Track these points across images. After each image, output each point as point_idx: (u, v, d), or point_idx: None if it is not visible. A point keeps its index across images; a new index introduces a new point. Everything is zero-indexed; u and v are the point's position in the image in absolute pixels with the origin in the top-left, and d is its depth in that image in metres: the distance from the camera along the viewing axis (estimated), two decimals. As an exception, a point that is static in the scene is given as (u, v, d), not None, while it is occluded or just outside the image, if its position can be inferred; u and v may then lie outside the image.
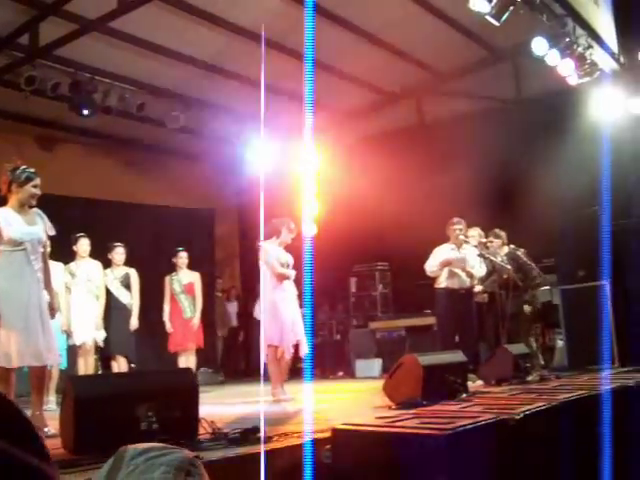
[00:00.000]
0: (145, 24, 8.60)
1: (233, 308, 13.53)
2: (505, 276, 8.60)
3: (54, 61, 9.16)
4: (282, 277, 7.52)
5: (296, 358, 7.69)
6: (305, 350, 7.39)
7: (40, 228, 5.12)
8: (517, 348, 7.50)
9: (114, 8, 7.76)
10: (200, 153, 12.60)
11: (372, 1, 8.86)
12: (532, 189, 9.67)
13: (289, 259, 7.62)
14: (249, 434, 3.88)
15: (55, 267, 7.81)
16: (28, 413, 5.02)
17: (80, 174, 11.21)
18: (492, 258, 8.63)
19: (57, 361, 6.33)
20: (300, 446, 3.74)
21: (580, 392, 4.81)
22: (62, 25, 8.33)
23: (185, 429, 3.93)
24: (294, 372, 9.65)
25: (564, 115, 9.68)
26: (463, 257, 8.57)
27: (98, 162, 11.73)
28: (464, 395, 5.59)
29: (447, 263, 8.53)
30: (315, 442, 3.58)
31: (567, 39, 8.46)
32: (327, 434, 3.72)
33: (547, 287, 9.49)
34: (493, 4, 7.52)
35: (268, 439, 3.84)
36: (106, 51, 9.22)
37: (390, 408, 5.32)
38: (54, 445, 3.94)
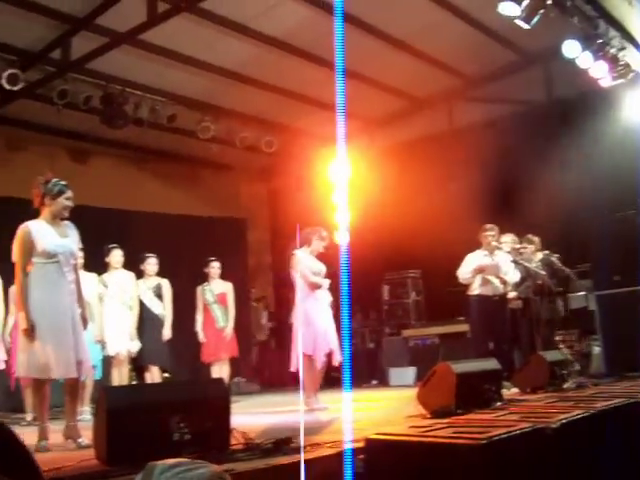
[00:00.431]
0: (174, 36, 8.67)
1: (264, 319, 13.53)
2: (540, 282, 8.49)
3: (86, 74, 9.28)
4: (315, 286, 7.50)
5: (330, 367, 7.66)
6: (338, 359, 7.36)
7: (72, 240, 5.16)
8: (552, 355, 7.38)
9: (144, 21, 7.82)
10: (231, 162, 12.65)
11: (401, 8, 8.83)
12: (565, 193, 9.57)
13: (322, 268, 7.59)
14: (282, 444, 3.86)
15: (88, 278, 7.89)
16: (63, 423, 5.06)
17: (112, 186, 11.32)
18: (526, 264, 8.52)
19: (90, 372, 6.38)
20: (333, 456, 3.70)
21: (619, 400, 4.71)
22: (93, 39, 8.43)
23: (217, 440, 3.92)
24: (328, 381, 9.63)
25: (597, 118, 9.56)
26: (496, 263, 8.46)
27: (130, 173, 11.84)
28: (499, 403, 5.51)
29: (480, 270, 8.43)
30: (345, 453, 3.54)
31: (600, 41, 8.36)
32: (360, 444, 3.68)
33: (582, 293, 9.35)
34: (523, 7, 7.46)
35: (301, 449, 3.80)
36: (136, 63, 9.31)
37: (424, 417, 5.26)
38: (88, 456, 3.96)
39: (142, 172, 12.06)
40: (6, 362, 7.52)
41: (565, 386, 6.87)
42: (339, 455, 3.68)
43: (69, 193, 5.12)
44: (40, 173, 5.14)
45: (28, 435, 5.36)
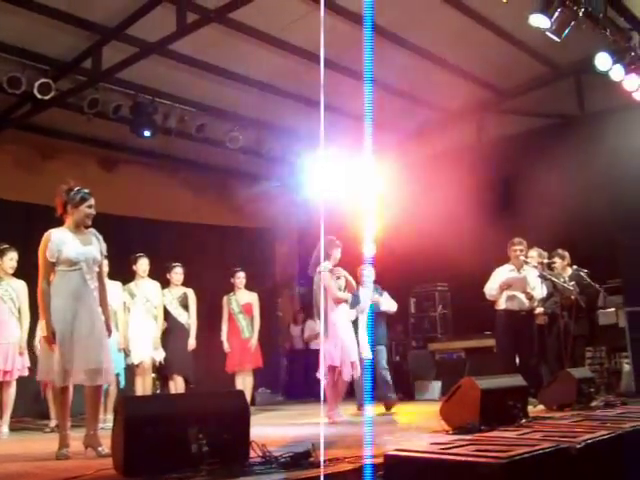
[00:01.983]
0: (203, 46, 8.71)
1: (298, 332, 13.48)
2: (572, 297, 8.37)
3: (115, 84, 9.37)
4: (340, 301, 7.61)
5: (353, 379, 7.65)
6: (359, 372, 7.34)
7: (95, 248, 5.17)
8: (580, 372, 7.25)
9: (173, 31, 7.87)
10: (259, 173, 12.67)
11: (432, 21, 8.80)
12: (596, 208, 9.43)
13: (342, 283, 7.68)
14: (300, 458, 3.81)
15: (114, 286, 7.93)
16: (83, 432, 5.06)
17: (141, 194, 11.41)
18: (553, 279, 8.41)
19: (112, 381, 6.38)
20: (352, 472, 3.66)
21: (647, 420, 4.60)
22: (123, 49, 8.50)
23: (236, 452, 3.88)
24: (352, 394, 9.55)
25: (629, 131, 9.42)
26: (523, 278, 8.35)
27: (159, 183, 11.91)
28: (524, 420, 5.42)
29: (506, 286, 8.33)
30: (365, 468, 3.49)
31: (632, 53, 8.24)
32: (379, 459, 3.62)
33: (612, 309, 9.18)
34: (553, 20, 7.36)
35: (319, 464, 3.75)
36: (166, 73, 9.37)
37: (447, 433, 5.19)
38: (106, 465, 3.95)
39: (170, 181, 12.13)
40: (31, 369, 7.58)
41: (593, 404, 6.75)
42: (358, 471, 3.63)
43: (91, 201, 5.14)
44: (62, 182, 5.17)
45: (50, 442, 5.40)
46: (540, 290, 8.37)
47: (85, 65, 8.77)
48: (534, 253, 8.68)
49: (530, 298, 8.33)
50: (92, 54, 8.62)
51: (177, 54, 8.86)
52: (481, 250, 9.40)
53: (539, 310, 8.57)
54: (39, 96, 8.56)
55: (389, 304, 8.91)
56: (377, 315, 8.64)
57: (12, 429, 7.56)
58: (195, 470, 3.59)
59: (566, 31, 7.47)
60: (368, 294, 8.38)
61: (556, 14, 7.36)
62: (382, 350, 8.72)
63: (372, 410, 7.38)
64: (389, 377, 8.64)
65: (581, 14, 7.42)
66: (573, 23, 7.43)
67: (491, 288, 8.43)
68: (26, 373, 7.57)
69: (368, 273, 8.22)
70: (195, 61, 9.20)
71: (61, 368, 4.84)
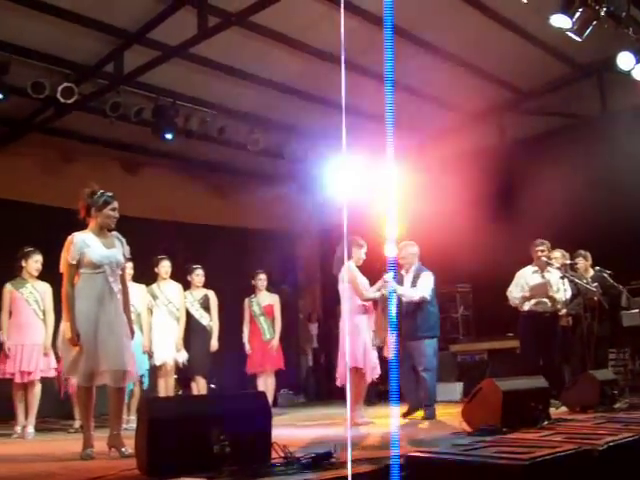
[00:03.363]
0: (224, 49, 8.75)
1: (314, 330, 13.52)
2: (595, 298, 8.32)
3: (137, 87, 9.45)
4: (367, 301, 7.51)
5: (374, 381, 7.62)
6: (378, 372, 7.32)
7: (118, 251, 5.21)
8: (603, 374, 7.20)
9: (194, 34, 7.92)
10: (280, 175, 12.71)
11: (453, 22, 8.78)
12: (621, 209, 9.37)
13: (366, 282, 7.59)
14: (321, 459, 3.82)
15: (137, 289, 8.00)
16: (107, 433, 5.11)
17: (163, 197, 11.48)
18: (576, 280, 8.35)
19: (135, 380, 6.43)
20: (373, 473, 3.66)
21: (671, 422, 4.57)
22: (145, 52, 8.57)
23: (257, 453, 3.90)
24: (375, 395, 9.54)
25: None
26: (544, 284, 8.30)
27: (180, 185, 11.99)
28: (546, 422, 5.39)
29: (529, 297, 8.31)
30: (388, 469, 3.49)
31: (656, 53, 8.18)
32: (401, 461, 3.62)
33: (636, 310, 9.10)
34: (575, 19, 7.32)
35: (340, 465, 3.76)
36: (187, 76, 9.43)
37: (468, 434, 5.18)
38: (130, 465, 3.99)
39: (192, 184, 12.21)
40: (57, 370, 7.66)
41: (616, 406, 6.69)
42: (380, 472, 3.64)
43: (115, 204, 5.18)
44: (86, 185, 5.22)
45: (75, 442, 5.45)
46: (563, 292, 8.32)
47: (107, 69, 8.86)
48: (558, 254, 8.63)
49: (553, 301, 8.28)
50: (114, 58, 8.70)
51: (198, 57, 8.92)
52: (503, 250, 9.35)
53: (563, 312, 8.51)
54: (62, 100, 8.65)
55: (410, 292, 7.85)
56: (408, 306, 7.78)
57: (37, 429, 7.63)
58: (217, 471, 3.61)
59: (588, 30, 7.43)
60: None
61: (577, 14, 7.33)
62: (421, 345, 7.72)
63: (398, 411, 7.30)
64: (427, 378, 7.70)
65: (603, 13, 7.37)
66: (595, 22, 7.39)
67: (514, 297, 8.41)
68: (51, 374, 7.66)
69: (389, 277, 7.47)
70: (216, 64, 9.25)
71: (85, 369, 4.89)
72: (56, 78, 8.69)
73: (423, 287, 7.88)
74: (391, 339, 7.20)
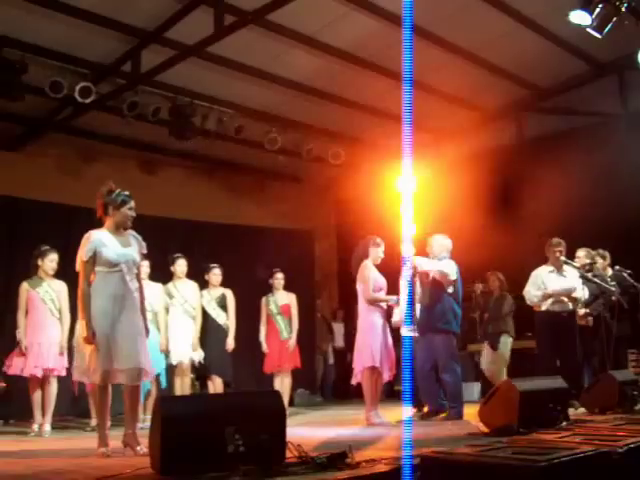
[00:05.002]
0: (241, 48, 8.74)
1: (340, 329, 13.47)
2: (614, 298, 8.23)
3: (154, 87, 9.45)
4: (373, 302, 7.36)
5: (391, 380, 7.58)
6: (394, 372, 7.27)
7: (134, 249, 5.21)
8: (623, 374, 7.11)
9: (211, 33, 7.91)
10: (298, 174, 12.70)
11: (470, 19, 8.70)
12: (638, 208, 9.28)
13: (384, 282, 7.50)
14: (336, 459, 3.80)
15: (154, 288, 8.01)
16: (122, 431, 5.11)
17: (180, 196, 11.50)
18: (596, 280, 8.27)
19: (152, 381, 6.43)
20: (388, 473, 3.63)
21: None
22: (162, 52, 8.57)
23: (272, 452, 3.87)
24: (392, 395, 9.50)
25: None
26: (563, 283, 8.23)
27: (197, 184, 12.03)
28: (564, 423, 5.33)
29: (548, 297, 8.24)
30: (402, 469, 3.46)
31: (678, 50, 8.09)
32: (415, 461, 3.59)
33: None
34: (594, 16, 7.24)
35: (355, 465, 3.74)
36: (204, 75, 9.43)
37: (484, 435, 5.13)
38: (143, 464, 3.98)
39: (209, 183, 12.24)
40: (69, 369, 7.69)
41: (636, 407, 6.61)
42: (395, 472, 3.61)
43: (132, 203, 5.19)
44: (102, 184, 5.23)
45: (91, 440, 5.46)
46: (582, 291, 8.24)
47: (125, 68, 8.87)
48: (581, 253, 8.55)
49: (573, 301, 8.21)
50: (131, 57, 8.72)
51: (215, 56, 8.91)
52: (519, 250, 9.29)
53: (582, 311, 8.43)
54: (80, 99, 8.67)
55: (432, 266, 7.72)
56: (430, 297, 7.65)
57: (54, 427, 7.67)
58: (231, 470, 3.60)
59: (608, 27, 7.35)
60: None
61: (597, 10, 7.25)
62: (435, 339, 7.54)
63: (411, 411, 7.24)
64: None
65: (624, 9, 7.29)
66: (615, 19, 7.30)
67: (533, 295, 8.33)
68: (64, 373, 7.68)
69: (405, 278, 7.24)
70: (233, 63, 9.23)
71: (101, 368, 4.89)
72: (74, 78, 8.71)
73: (446, 267, 7.75)
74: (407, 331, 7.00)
